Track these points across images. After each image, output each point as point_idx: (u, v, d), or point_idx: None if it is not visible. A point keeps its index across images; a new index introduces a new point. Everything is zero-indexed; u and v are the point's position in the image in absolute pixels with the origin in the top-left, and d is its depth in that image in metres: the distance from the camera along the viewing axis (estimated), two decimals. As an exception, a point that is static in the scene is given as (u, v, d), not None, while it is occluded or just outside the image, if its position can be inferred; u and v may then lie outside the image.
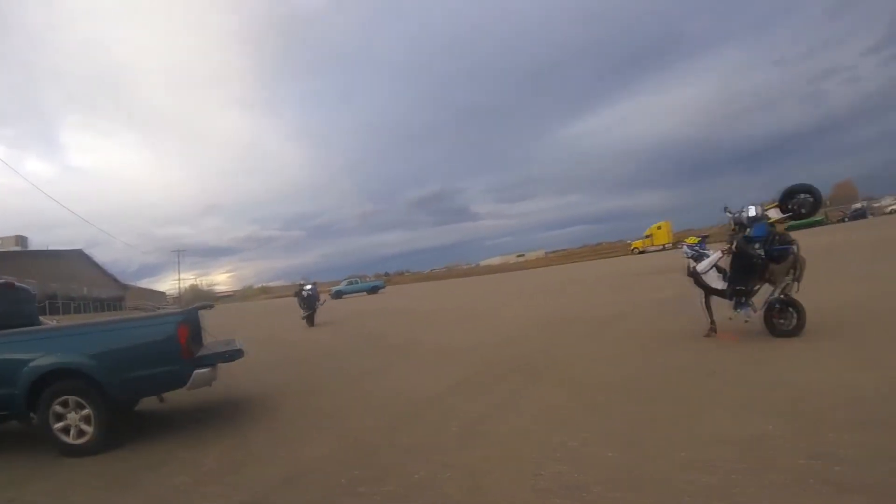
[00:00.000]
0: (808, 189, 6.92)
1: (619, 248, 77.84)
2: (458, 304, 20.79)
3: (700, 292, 7.62)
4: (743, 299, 7.06)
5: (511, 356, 7.72)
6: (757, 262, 6.78)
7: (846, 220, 58.08)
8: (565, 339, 8.66)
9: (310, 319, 18.64)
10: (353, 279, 53.19)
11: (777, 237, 6.76)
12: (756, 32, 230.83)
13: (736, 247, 6.95)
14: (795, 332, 6.62)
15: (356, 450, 4.40)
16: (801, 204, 6.85)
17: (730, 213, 7.28)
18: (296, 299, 19.65)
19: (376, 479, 3.70)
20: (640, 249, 65.71)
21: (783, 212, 6.95)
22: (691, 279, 7.70)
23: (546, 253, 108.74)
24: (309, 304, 18.74)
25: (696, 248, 7.83)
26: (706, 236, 8.08)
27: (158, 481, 4.22)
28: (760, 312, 6.91)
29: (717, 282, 7.35)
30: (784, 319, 6.75)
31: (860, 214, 58.88)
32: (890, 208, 59.24)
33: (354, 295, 48.33)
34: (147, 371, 5.69)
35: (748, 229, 6.90)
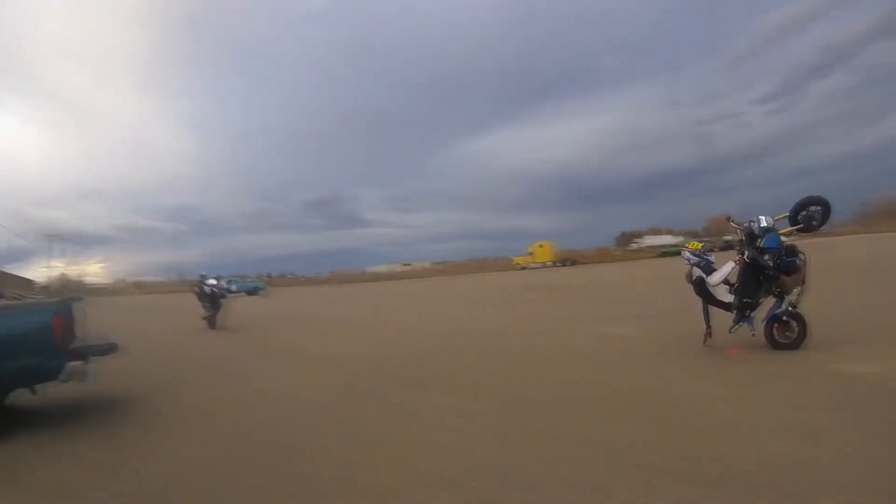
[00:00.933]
0: (820, 201, 7.08)
1: (502, 264, 79.82)
2: (344, 311, 21.92)
3: (699, 300, 8.12)
4: (747, 312, 7.40)
5: (396, 364, 8.56)
6: (769, 273, 7.05)
7: (716, 250, 55.74)
8: (448, 349, 9.70)
9: (211, 321, 16.97)
10: (232, 279, 49.36)
11: (786, 249, 7.09)
12: (661, 75, 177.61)
13: (749, 257, 7.17)
14: (796, 345, 7.02)
15: (240, 448, 4.81)
16: (811, 216, 7.07)
17: (735, 223, 7.59)
18: (196, 295, 17.83)
19: (258, 475, 4.11)
20: (522, 266, 69.57)
21: (792, 224, 7.18)
22: (693, 287, 8.02)
23: (432, 264, 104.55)
24: (213, 302, 17.21)
25: (701, 254, 7.97)
26: (706, 241, 9.94)
27: (42, 475, 4.40)
28: (762, 325, 7.36)
29: (724, 294, 7.62)
30: (788, 332, 7.13)
31: (729, 246, 58.94)
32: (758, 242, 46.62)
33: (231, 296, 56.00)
34: (17, 362, 5.50)
35: (759, 240, 7.13)
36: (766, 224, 7.34)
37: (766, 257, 7.18)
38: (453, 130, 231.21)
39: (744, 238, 7.48)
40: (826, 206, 7.18)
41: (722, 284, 7.73)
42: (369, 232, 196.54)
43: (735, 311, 7.62)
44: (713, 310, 8.10)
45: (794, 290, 7.20)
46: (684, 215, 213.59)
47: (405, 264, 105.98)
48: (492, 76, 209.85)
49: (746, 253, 7.37)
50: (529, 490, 3.60)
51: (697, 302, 8.30)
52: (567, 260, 70.10)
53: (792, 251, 7.25)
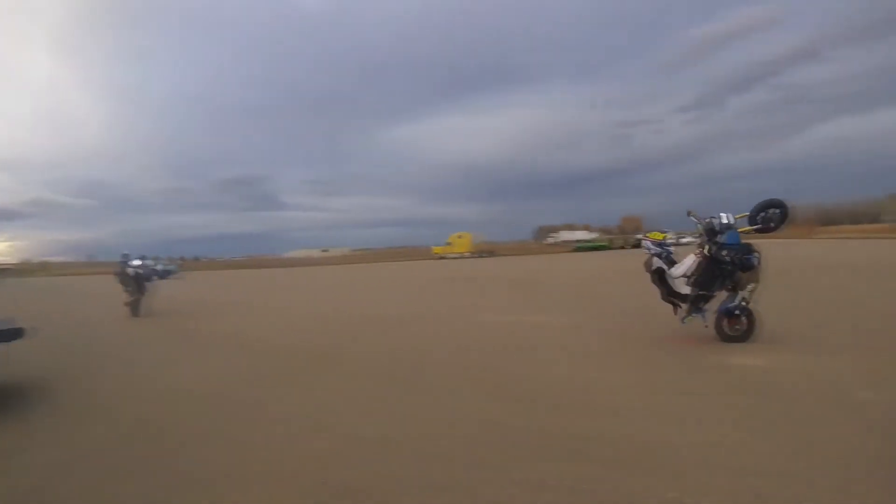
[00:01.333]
0: (779, 205, 7.37)
1: (421, 253, 79.55)
2: (260, 297, 21.40)
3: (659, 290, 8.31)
4: (701, 304, 7.69)
5: (305, 349, 8.63)
6: (726, 268, 7.30)
7: (626, 247, 62.86)
8: (357, 335, 9.79)
9: (134, 307, 15.21)
10: (159, 260, 50.14)
11: (743, 246, 7.36)
12: (588, 76, 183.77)
13: (709, 252, 7.38)
14: (744, 338, 7.37)
15: (139, 434, 4.79)
16: (769, 218, 7.35)
17: (696, 218, 7.70)
18: (118, 278, 15.76)
19: (158, 459, 4.14)
20: (441, 256, 69.80)
21: (751, 223, 7.42)
22: (651, 276, 8.23)
23: (351, 250, 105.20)
24: (137, 285, 15.38)
25: (662, 245, 8.15)
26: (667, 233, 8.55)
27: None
28: (715, 320, 7.60)
29: (681, 286, 7.83)
30: (738, 326, 7.44)
31: (640, 244, 54.26)
32: (668, 241, 51.55)
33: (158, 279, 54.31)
34: None
35: (720, 236, 7.37)
36: (727, 221, 7.53)
37: (725, 253, 7.40)
38: (380, 115, 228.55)
39: (704, 233, 7.66)
40: (784, 210, 7.43)
41: (673, 277, 8.00)
42: (288, 215, 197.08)
43: (689, 303, 7.88)
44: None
45: (748, 287, 7.40)
46: (600, 213, 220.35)
47: (323, 250, 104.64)
48: (421, 65, 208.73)
49: (707, 247, 7.57)
50: (428, 464, 3.87)
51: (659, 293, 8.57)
52: (485, 252, 70.95)
53: (749, 249, 7.41)
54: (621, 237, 77.57)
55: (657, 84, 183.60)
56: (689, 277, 7.78)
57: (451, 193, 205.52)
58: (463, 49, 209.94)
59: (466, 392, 5.68)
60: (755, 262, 7.30)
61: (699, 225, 7.71)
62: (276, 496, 3.48)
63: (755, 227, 7.51)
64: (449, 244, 72.65)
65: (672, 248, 8.26)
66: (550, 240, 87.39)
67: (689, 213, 7.90)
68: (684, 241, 72.60)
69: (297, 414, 5.19)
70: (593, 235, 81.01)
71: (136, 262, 15.70)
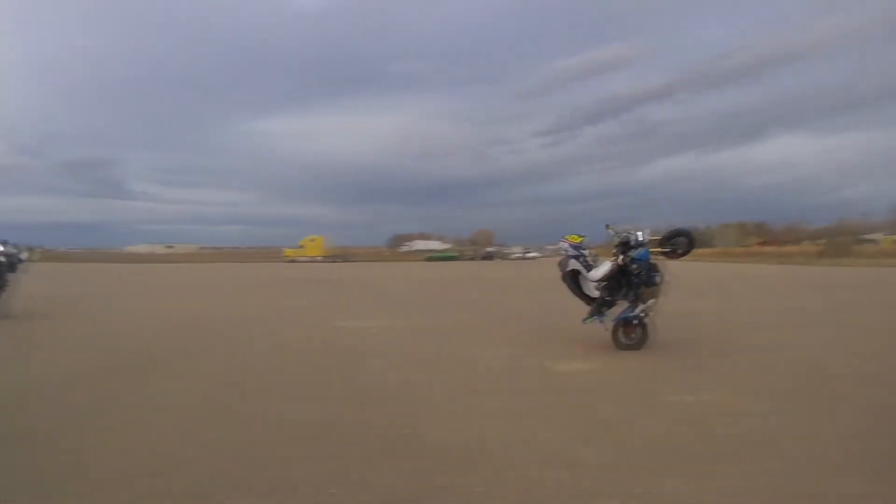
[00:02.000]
0: (686, 233, 8.09)
1: (272, 254, 77.48)
2: (97, 291, 20.70)
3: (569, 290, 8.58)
4: (604, 309, 8.05)
5: (139, 352, 8.14)
6: (634, 280, 7.80)
7: (476, 259, 65.69)
8: (197, 338, 9.44)
9: None
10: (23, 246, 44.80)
11: (651, 265, 7.85)
12: (456, 91, 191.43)
13: (623, 261, 7.83)
14: (638, 347, 7.82)
15: None
16: (677, 245, 7.93)
17: (613, 230, 8.20)
18: None
19: None
20: (292, 258, 67.59)
21: (661, 246, 7.95)
22: (564, 275, 8.46)
23: (198, 248, 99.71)
24: None
25: (579, 248, 8.40)
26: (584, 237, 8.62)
27: None
28: (612, 326, 8.00)
29: (591, 289, 8.20)
30: (633, 335, 7.92)
31: (489, 257, 67.49)
32: (514, 256, 67.03)
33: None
34: None
35: (633, 250, 7.82)
36: (642, 239, 7.89)
37: (635, 267, 7.79)
38: (248, 105, 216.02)
39: (619, 244, 8.01)
40: (691, 239, 8.07)
41: (590, 280, 8.21)
42: (133, 205, 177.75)
43: (594, 306, 8.18)
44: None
45: (649, 301, 7.80)
46: (456, 224, 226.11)
47: (168, 246, 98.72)
48: (299, 59, 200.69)
49: (621, 258, 7.89)
50: (254, 465, 3.74)
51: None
52: (338, 256, 69.97)
53: (655, 268, 7.87)
54: (472, 249, 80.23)
55: (518, 108, 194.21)
56: (599, 282, 8.12)
57: (308, 193, 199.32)
58: (342, 48, 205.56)
59: (296, 392, 5.67)
60: (658, 281, 7.78)
61: (616, 237, 8.11)
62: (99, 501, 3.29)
63: (664, 250, 8.01)
64: (301, 247, 70.85)
65: (587, 252, 8.52)
66: (405, 248, 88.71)
67: (607, 227, 8.32)
68: (530, 255, 76.12)
69: (126, 420, 4.88)
70: (446, 246, 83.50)
71: None
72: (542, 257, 75.67)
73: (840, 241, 51.70)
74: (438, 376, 6.40)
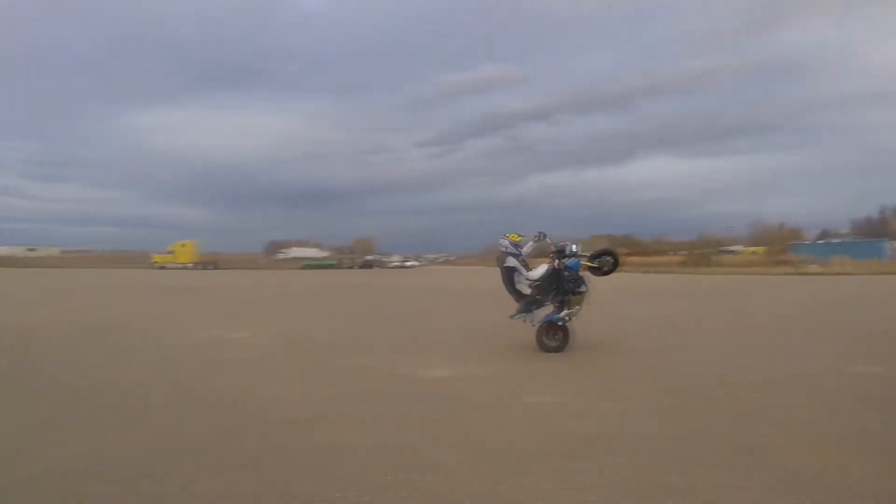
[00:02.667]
0: (613, 254, 9.01)
1: (139, 259, 72.22)
2: None
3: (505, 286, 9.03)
4: (533, 307, 8.68)
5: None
6: (564, 286, 8.52)
7: (354, 267, 65.66)
8: (46, 348, 9.29)
9: None
10: None
11: (579, 276, 8.62)
12: (342, 96, 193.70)
13: (558, 266, 8.53)
14: (559, 349, 8.43)
15: None
16: (604, 263, 8.78)
17: (549, 239, 9.01)
18: None
19: None
20: (161, 265, 63.68)
21: (591, 261, 8.75)
22: (501, 271, 8.98)
23: (62, 251, 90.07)
24: None
25: (518, 246, 8.88)
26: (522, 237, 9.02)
27: None
28: (536, 327, 8.62)
29: (524, 287, 8.74)
30: (556, 336, 8.56)
31: (368, 265, 67.56)
32: (393, 264, 67.41)
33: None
34: None
35: (567, 259, 8.57)
36: (575, 250, 8.74)
37: (567, 273, 8.54)
38: (122, 95, 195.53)
39: (555, 251, 8.74)
40: (616, 260, 8.94)
41: (524, 279, 8.71)
42: None
43: (523, 303, 8.72)
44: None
45: (574, 308, 8.52)
46: (335, 231, 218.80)
47: (30, 248, 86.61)
48: (176, 50, 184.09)
49: (557, 262, 8.58)
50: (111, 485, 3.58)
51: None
52: (209, 263, 66.75)
53: (581, 280, 8.64)
54: (350, 257, 79.30)
55: (403, 118, 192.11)
56: (535, 281, 8.64)
57: (184, 194, 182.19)
58: (229, 43, 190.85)
59: (155, 408, 5.51)
60: (583, 290, 8.53)
61: (552, 245, 8.86)
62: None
63: (593, 266, 8.74)
64: (171, 252, 67.06)
65: (522, 251, 8.98)
66: (281, 255, 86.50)
67: (544, 236, 9.10)
68: (409, 263, 77.27)
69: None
70: (325, 254, 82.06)
71: None
72: (420, 266, 76.93)
73: (702, 252, 56.48)
74: (303, 385, 6.46)
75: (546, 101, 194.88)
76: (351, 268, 70.71)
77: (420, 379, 6.81)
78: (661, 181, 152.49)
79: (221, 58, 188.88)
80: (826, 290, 22.62)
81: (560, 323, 8.48)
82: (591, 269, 8.79)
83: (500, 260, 8.97)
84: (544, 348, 8.50)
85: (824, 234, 69.16)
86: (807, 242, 59.03)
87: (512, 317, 8.84)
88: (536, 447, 4.17)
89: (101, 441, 4.41)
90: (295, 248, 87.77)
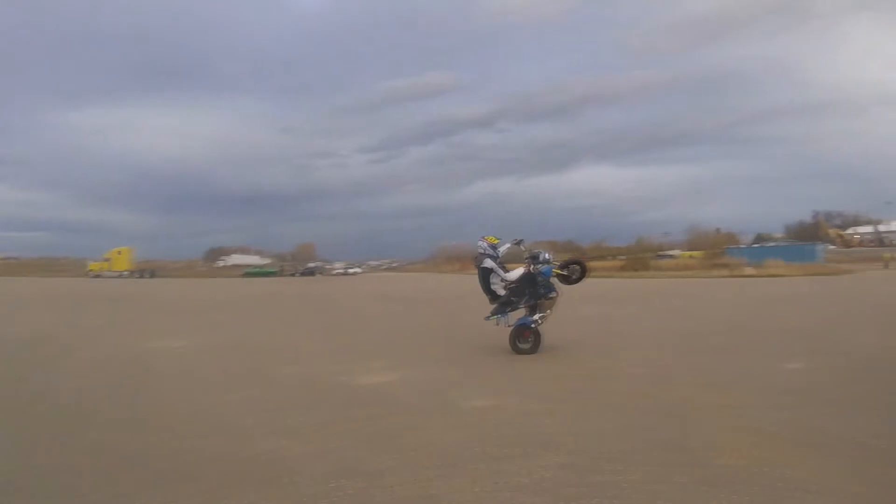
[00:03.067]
0: (580, 263, 9.65)
1: (74, 267, 69.91)
2: None
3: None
4: (507, 309, 9.08)
5: None
6: (537, 290, 9.00)
7: (296, 275, 63.55)
8: None
9: None
10: None
11: (549, 282, 9.18)
12: (283, 98, 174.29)
13: (533, 271, 9.01)
14: (532, 351, 8.80)
15: None
16: (573, 271, 9.35)
17: (523, 246, 9.57)
18: None
19: None
20: (97, 273, 61.46)
21: (560, 270, 9.30)
22: (479, 271, 9.33)
23: None
24: None
25: (496, 248, 9.28)
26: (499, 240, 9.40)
27: None
28: (510, 329, 8.98)
29: (500, 288, 9.09)
30: (528, 339, 8.94)
31: (310, 272, 65.28)
32: (336, 271, 66.01)
33: None
34: None
35: (540, 265, 9.04)
36: (548, 257, 9.13)
37: (540, 278, 8.93)
38: (53, 91, 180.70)
39: (530, 256, 9.11)
40: (584, 269, 9.41)
41: (499, 281, 8.96)
42: None
43: (497, 305, 9.05)
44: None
45: (546, 311, 8.94)
46: (276, 238, 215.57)
47: None
48: (112, 44, 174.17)
49: (532, 267, 8.93)
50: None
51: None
52: (146, 271, 64.40)
53: (552, 286, 9.06)
54: (292, 264, 78.38)
55: (346, 122, 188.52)
56: (511, 283, 8.97)
57: (119, 198, 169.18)
58: (167, 39, 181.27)
59: (85, 423, 5.32)
60: (553, 295, 8.97)
61: (526, 251, 9.32)
62: None
63: (562, 273, 9.24)
64: (107, 260, 64.38)
65: (499, 253, 9.33)
66: (221, 262, 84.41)
67: (519, 242, 9.57)
68: (352, 270, 76.69)
69: None
70: (266, 261, 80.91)
71: None
72: (364, 273, 76.04)
73: (640, 256, 57.04)
74: (239, 395, 6.33)
75: (490, 109, 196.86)
76: (293, 275, 69.23)
77: (359, 386, 6.75)
78: (601, 188, 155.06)
79: (160, 55, 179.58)
80: (758, 291, 23.38)
81: (532, 326, 8.83)
82: (561, 277, 9.24)
83: (478, 261, 9.30)
84: (517, 350, 8.80)
85: (759, 239, 72.31)
86: (742, 246, 60.83)
87: (487, 318, 9.18)
88: (471, 450, 4.19)
89: (34, 456, 4.35)
90: (235, 255, 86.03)
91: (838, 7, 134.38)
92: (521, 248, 9.56)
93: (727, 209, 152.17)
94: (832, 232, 74.98)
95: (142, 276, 61.34)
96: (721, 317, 14.15)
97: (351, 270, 74.69)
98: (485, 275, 9.11)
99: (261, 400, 6.12)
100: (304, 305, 21.88)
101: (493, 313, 9.08)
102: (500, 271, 9.00)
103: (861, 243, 74.08)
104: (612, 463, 3.80)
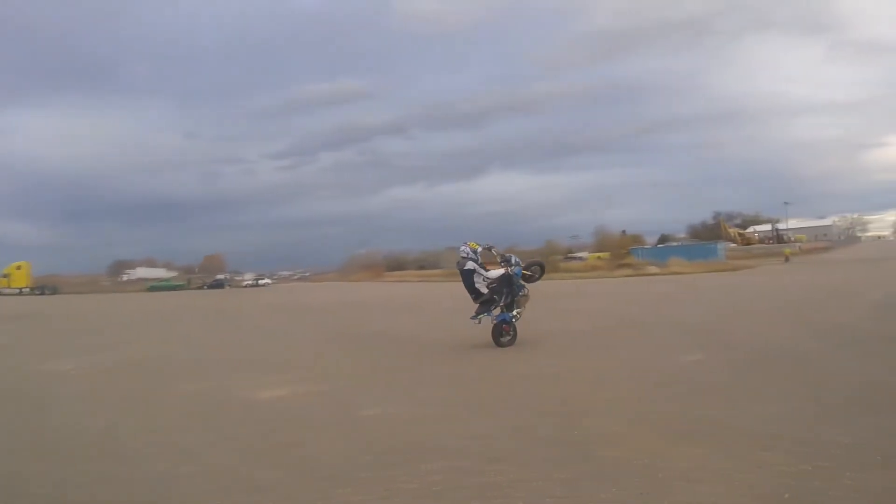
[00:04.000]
0: (541, 264, 11.09)
1: None
2: None
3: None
4: (491, 307, 9.97)
5: None
6: (514, 289, 10.01)
7: (204, 288, 62.06)
8: None
9: None
10: None
11: (521, 282, 10.31)
12: (189, 105, 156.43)
13: (510, 271, 10.16)
14: (510, 343, 9.86)
15: None
16: (534, 272, 10.60)
17: (494, 251, 10.64)
18: None
19: None
20: None
21: (525, 270, 10.46)
22: (461, 273, 10.31)
23: None
24: None
25: (476, 252, 10.30)
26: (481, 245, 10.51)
27: None
28: (493, 324, 9.87)
29: (483, 287, 10.08)
30: (508, 333, 9.94)
31: (219, 285, 63.05)
32: (245, 283, 64.68)
33: None
34: None
35: (512, 266, 10.16)
36: (516, 261, 10.27)
37: (515, 278, 10.03)
38: None
39: (502, 259, 10.27)
40: (542, 267, 10.98)
41: (482, 280, 9.95)
42: None
43: (481, 305, 10.02)
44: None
45: (521, 308, 10.05)
46: (183, 250, 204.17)
47: None
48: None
49: (509, 268, 10.04)
50: None
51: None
52: (47, 287, 60.72)
53: (523, 284, 10.17)
54: (200, 277, 76.05)
55: (255, 128, 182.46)
56: (493, 281, 9.96)
57: (11, 207, 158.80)
58: (66, 34, 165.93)
59: None
60: (525, 293, 10.10)
61: (497, 255, 10.42)
62: None
63: (526, 273, 10.34)
64: (5, 276, 60.63)
65: (477, 256, 10.22)
66: (126, 276, 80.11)
67: (490, 248, 10.55)
68: (262, 282, 74.68)
69: None
70: (173, 274, 77.86)
71: None
72: (275, 284, 73.97)
73: (549, 259, 59.80)
74: (135, 415, 6.17)
75: (401, 116, 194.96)
76: (201, 288, 66.93)
77: (257, 400, 6.67)
78: (511, 195, 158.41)
79: (57, 53, 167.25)
80: (660, 289, 24.65)
81: (512, 320, 9.88)
82: (525, 277, 10.34)
83: (461, 264, 10.25)
84: (498, 344, 9.74)
85: (663, 239, 76.00)
86: (647, 247, 63.65)
87: (472, 318, 10.02)
88: (364, 459, 4.21)
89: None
90: (141, 269, 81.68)
91: (736, 26, 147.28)
92: (493, 252, 10.62)
93: (633, 213, 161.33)
94: (732, 231, 78.76)
95: (42, 293, 58.04)
96: (621, 314, 14.59)
97: (261, 282, 72.52)
98: (468, 276, 10.09)
99: (156, 419, 5.97)
100: (209, 319, 21.18)
101: (478, 313, 9.97)
102: (482, 271, 10.04)
103: (760, 241, 78.92)
104: (497, 464, 3.88)
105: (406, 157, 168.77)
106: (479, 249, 10.41)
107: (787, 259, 48.78)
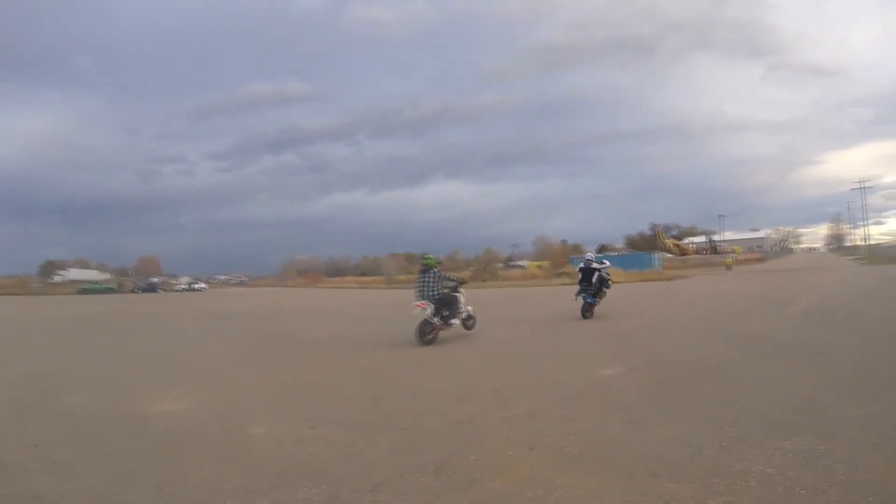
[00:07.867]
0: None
1: None
2: None
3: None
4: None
5: None
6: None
7: (137, 291, 60.99)
8: None
9: None
10: None
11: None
12: (127, 98, 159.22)
13: (603, 274, 14.20)
14: (590, 317, 13.70)
15: None
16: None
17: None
18: None
19: None
20: None
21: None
22: (586, 269, 14.15)
23: None
24: None
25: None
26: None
27: None
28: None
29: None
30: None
31: (151, 288, 61.99)
32: (180, 287, 63.25)
33: None
34: None
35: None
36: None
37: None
38: None
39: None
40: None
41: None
42: None
43: (584, 289, 14.31)
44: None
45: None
46: (118, 251, 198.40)
47: None
48: None
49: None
50: None
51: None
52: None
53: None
54: (132, 279, 73.80)
55: (194, 126, 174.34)
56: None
57: None
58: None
59: None
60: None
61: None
62: None
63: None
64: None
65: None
66: (58, 277, 76.75)
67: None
68: (197, 286, 72.96)
69: None
70: (106, 276, 75.30)
71: None
72: (210, 289, 72.19)
73: (488, 266, 59.28)
74: (17, 430, 5.94)
75: (345, 122, 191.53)
76: (133, 291, 64.90)
77: (149, 414, 6.38)
78: (453, 202, 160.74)
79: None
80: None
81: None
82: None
83: (587, 263, 14.83)
84: (584, 317, 13.94)
85: (602, 249, 77.79)
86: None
87: (576, 294, 14.54)
88: (237, 482, 4.07)
89: None
90: (74, 270, 78.35)
91: (680, 46, 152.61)
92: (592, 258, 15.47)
93: (573, 223, 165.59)
94: (669, 242, 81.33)
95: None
96: (548, 322, 14.52)
97: (196, 286, 70.50)
98: (591, 272, 14.40)
99: (38, 434, 5.70)
100: (129, 326, 20.41)
101: (580, 293, 14.35)
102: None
103: (696, 252, 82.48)
104: (375, 492, 3.72)
105: (350, 162, 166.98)
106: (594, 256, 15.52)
107: (728, 268, 52.42)
